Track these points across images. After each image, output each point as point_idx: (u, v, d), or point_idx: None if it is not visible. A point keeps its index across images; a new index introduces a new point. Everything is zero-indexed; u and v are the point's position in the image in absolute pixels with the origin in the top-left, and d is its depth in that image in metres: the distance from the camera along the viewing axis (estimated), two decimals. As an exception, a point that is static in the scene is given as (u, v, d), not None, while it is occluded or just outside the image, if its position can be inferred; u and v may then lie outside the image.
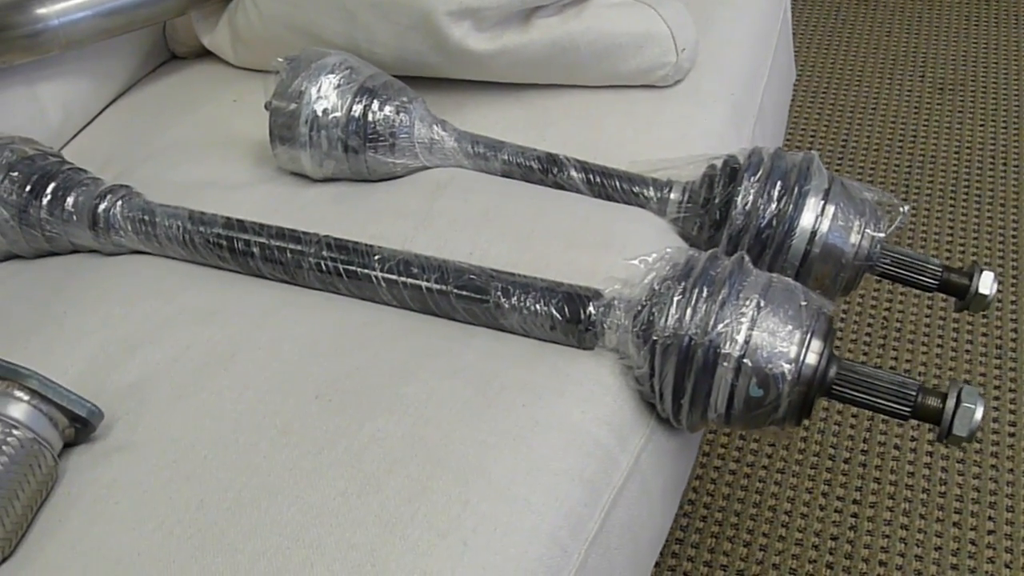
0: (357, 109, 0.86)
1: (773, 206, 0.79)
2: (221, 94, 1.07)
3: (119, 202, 0.84)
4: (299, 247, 0.79)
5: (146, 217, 0.83)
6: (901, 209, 0.82)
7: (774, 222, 0.79)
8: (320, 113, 0.86)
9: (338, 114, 0.86)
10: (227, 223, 0.81)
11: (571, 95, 0.96)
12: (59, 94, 1.02)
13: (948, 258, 1.56)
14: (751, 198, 0.80)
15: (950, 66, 1.99)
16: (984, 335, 1.43)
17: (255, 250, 0.80)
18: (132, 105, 1.09)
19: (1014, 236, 1.58)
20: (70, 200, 0.84)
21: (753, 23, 1.10)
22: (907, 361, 1.40)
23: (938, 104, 1.88)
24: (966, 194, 1.67)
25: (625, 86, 0.96)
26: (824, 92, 1.95)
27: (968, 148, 1.77)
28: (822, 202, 0.79)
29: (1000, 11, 2.14)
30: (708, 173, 0.84)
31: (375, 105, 0.87)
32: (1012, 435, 1.29)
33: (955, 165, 1.73)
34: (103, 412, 0.67)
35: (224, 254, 0.81)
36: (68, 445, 0.67)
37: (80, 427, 0.67)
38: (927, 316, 1.46)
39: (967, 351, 1.41)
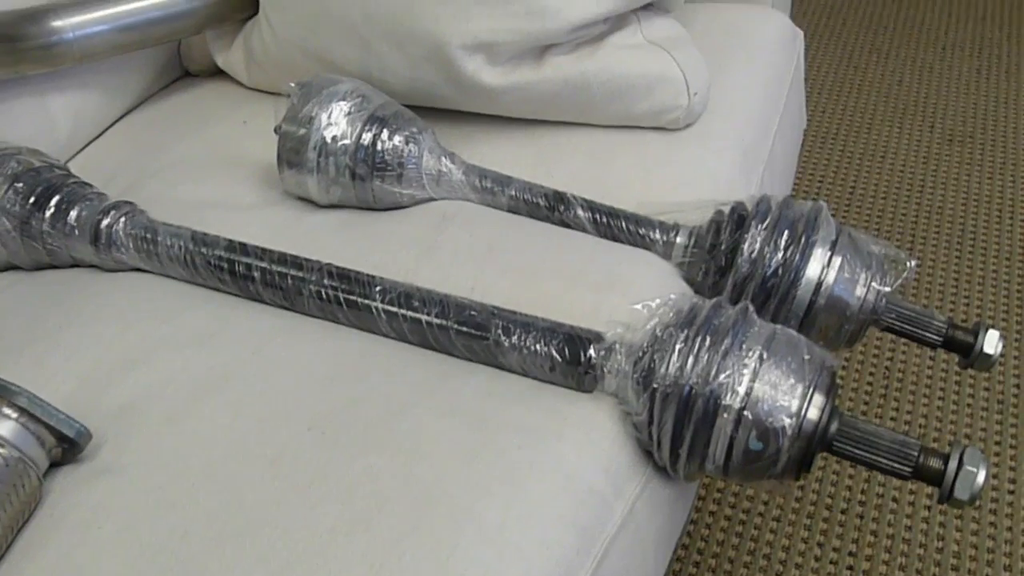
0: (366, 137, 0.86)
1: (779, 255, 0.79)
2: (231, 114, 1.06)
3: (122, 219, 0.83)
4: (300, 274, 0.78)
5: (148, 235, 0.82)
6: (908, 264, 0.81)
7: (780, 271, 0.78)
8: (329, 140, 0.86)
9: (347, 141, 0.86)
10: (229, 246, 0.81)
11: (581, 133, 0.96)
12: (69, 106, 1.02)
13: (952, 310, 1.55)
14: (758, 246, 0.79)
15: (960, 117, 1.99)
16: (986, 389, 1.42)
17: (256, 274, 0.79)
18: (142, 120, 1.09)
19: (1019, 291, 1.58)
20: (73, 214, 0.83)
21: (766, 69, 1.09)
22: (907, 412, 1.39)
23: (947, 155, 1.88)
24: (972, 246, 1.67)
25: (636, 127, 0.96)
26: (833, 138, 1.95)
27: (976, 201, 1.76)
28: (829, 253, 0.79)
29: (1011, 64, 2.15)
30: (715, 219, 0.83)
31: (385, 134, 0.87)
32: (1011, 492, 1.28)
33: (962, 217, 1.73)
34: (91, 433, 0.66)
35: (225, 277, 0.80)
36: (54, 465, 0.67)
37: (67, 447, 0.66)
38: (928, 368, 1.45)
39: (968, 405, 1.40)
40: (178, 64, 1.17)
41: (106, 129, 1.07)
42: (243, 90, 1.11)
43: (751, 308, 0.69)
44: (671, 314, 0.69)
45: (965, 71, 2.13)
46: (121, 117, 1.10)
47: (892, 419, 1.38)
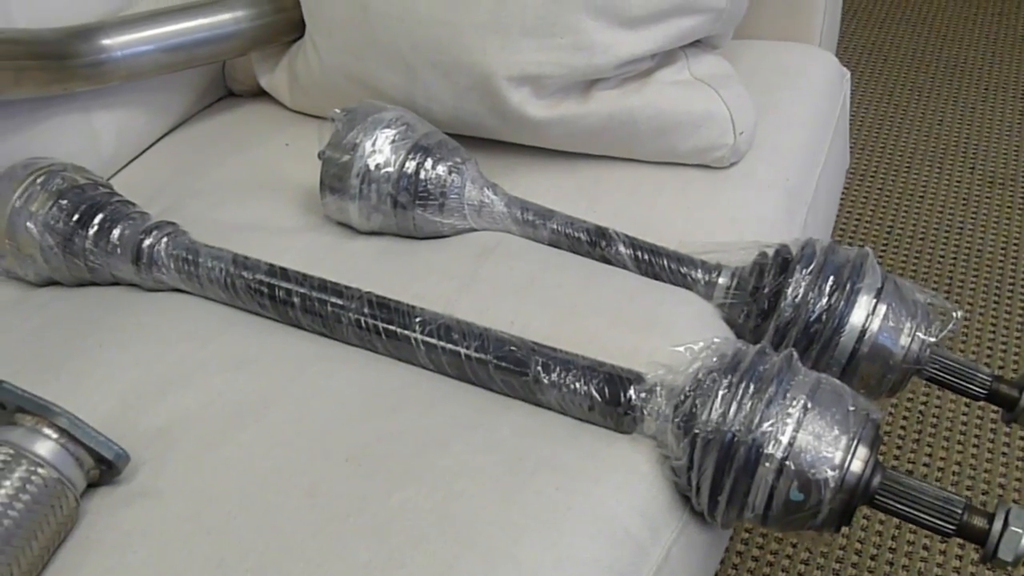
0: (410, 166, 0.86)
1: (824, 301, 0.78)
2: (274, 136, 1.07)
3: (164, 239, 0.84)
4: (340, 301, 0.78)
5: (189, 256, 0.83)
6: (954, 315, 0.80)
7: (823, 317, 0.77)
8: (373, 167, 0.86)
9: (390, 169, 0.86)
10: (270, 270, 0.81)
11: (625, 168, 0.96)
12: (114, 124, 1.03)
13: (989, 355, 1.53)
14: (802, 291, 0.78)
15: (1001, 160, 1.97)
16: (1022, 438, 1.40)
17: (296, 300, 0.79)
18: (185, 140, 1.10)
19: (1058, 339, 1.55)
20: (116, 233, 0.84)
21: (813, 109, 1.09)
22: (941, 459, 1.37)
23: (987, 198, 1.86)
24: (1011, 291, 1.64)
25: (680, 164, 0.95)
26: (872, 176, 1.93)
27: (1016, 245, 1.74)
28: (874, 301, 0.78)
29: (1055, 108, 2.13)
30: (759, 261, 0.82)
31: (428, 163, 0.87)
32: (1045, 546, 1.26)
33: (1001, 262, 1.70)
34: (129, 456, 0.66)
35: (264, 301, 0.80)
36: (91, 485, 0.66)
37: (105, 469, 0.66)
38: (964, 414, 1.43)
39: (1004, 453, 1.38)
40: (222, 84, 1.18)
41: (149, 147, 1.08)
42: (286, 112, 1.11)
43: (795, 355, 0.68)
44: (714, 358, 0.68)
45: (1008, 113, 2.11)
46: (164, 135, 1.10)
47: (925, 465, 1.36)
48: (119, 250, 0.83)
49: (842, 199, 1.83)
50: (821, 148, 1.06)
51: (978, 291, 1.65)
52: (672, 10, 0.90)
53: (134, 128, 1.06)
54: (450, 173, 0.87)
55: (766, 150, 0.97)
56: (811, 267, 0.79)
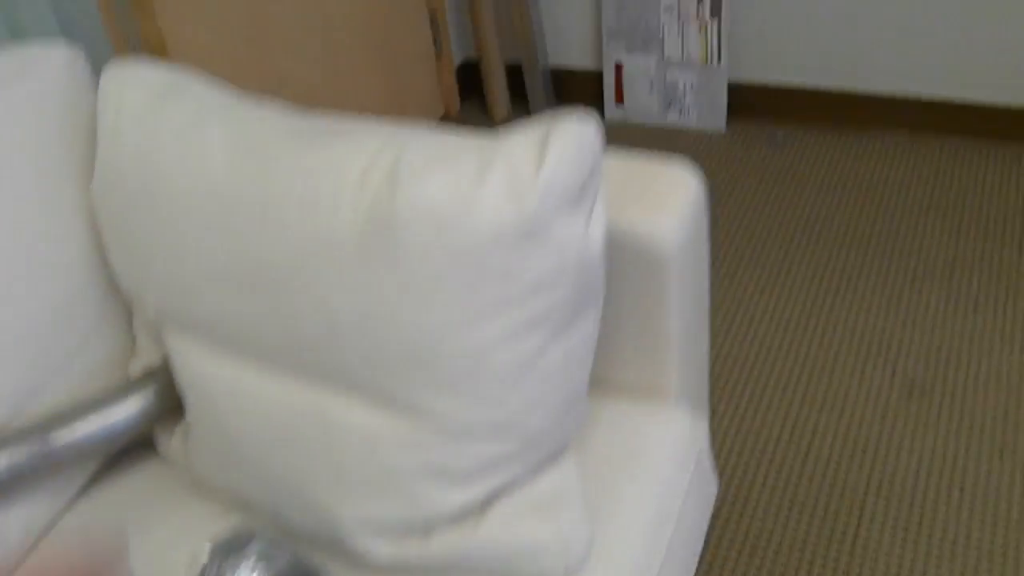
0: (268, 605, 0.94)
1: None
2: (171, 514, 1.14)
3: None
4: None
5: None
6: None
7: None
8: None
9: (251, 609, 0.94)
10: None
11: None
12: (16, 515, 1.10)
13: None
14: None
15: (921, 360, 1.95)
16: None
17: None
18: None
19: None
20: None
21: (656, 499, 1.13)
22: None
23: (904, 410, 1.86)
24: (919, 525, 1.66)
25: (521, 583, 1.02)
26: (796, 382, 1.95)
27: (926, 471, 1.74)
28: None
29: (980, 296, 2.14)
30: None
31: (285, 601, 0.95)
32: None
33: (911, 491, 1.72)
34: None
35: None
36: None
37: None
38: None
39: None
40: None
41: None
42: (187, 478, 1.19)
43: None
44: None
45: (933, 301, 2.12)
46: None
47: None
48: None
49: (765, 409, 1.85)
50: (663, 542, 1.11)
51: (887, 527, 1.67)
52: (499, 459, 0.97)
53: (33, 518, 1.13)
54: (306, 610, 0.95)
55: (603, 556, 1.03)
56: None
